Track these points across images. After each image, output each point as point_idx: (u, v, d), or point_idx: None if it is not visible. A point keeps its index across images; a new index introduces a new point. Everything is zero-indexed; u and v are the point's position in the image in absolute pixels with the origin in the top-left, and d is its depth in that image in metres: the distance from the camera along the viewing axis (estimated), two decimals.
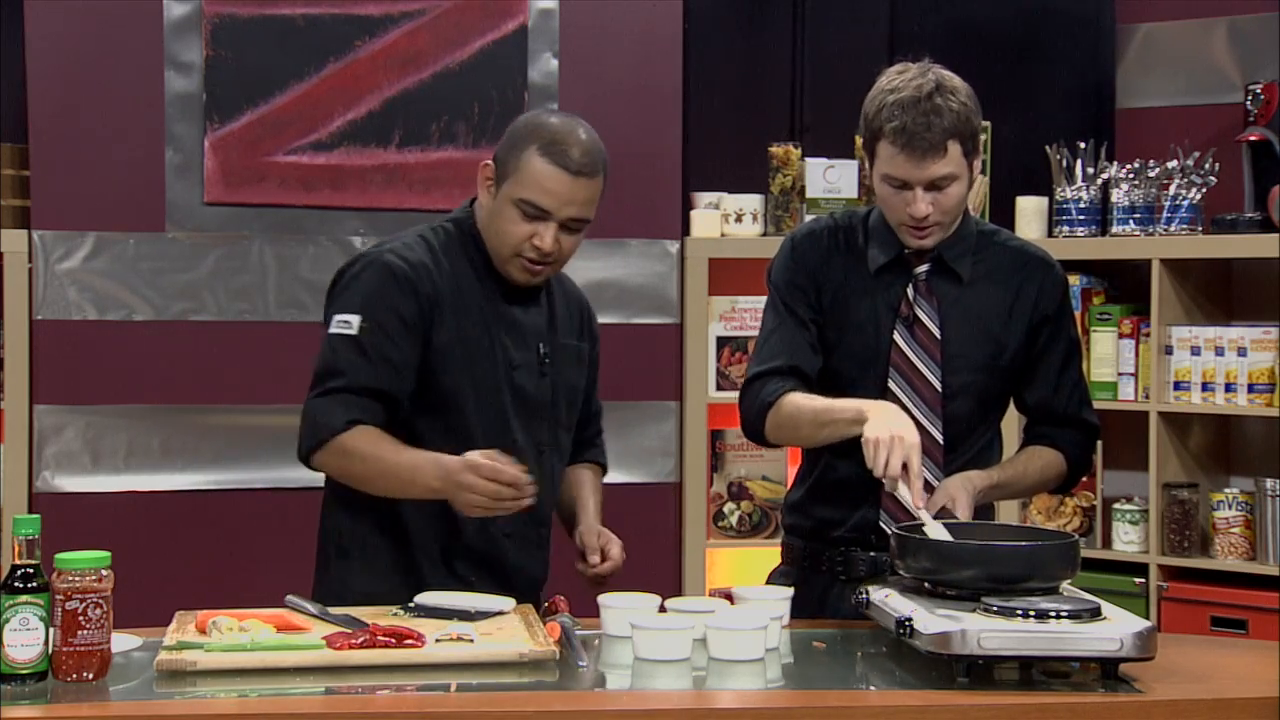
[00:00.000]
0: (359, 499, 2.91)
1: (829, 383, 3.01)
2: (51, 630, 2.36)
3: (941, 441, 2.97)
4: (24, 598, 2.34)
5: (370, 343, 2.84)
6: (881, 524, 2.96)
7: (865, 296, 3.00)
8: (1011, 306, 3.01)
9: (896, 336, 2.97)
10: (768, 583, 3.10)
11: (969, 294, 3.00)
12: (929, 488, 2.89)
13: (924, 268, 2.99)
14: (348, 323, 2.86)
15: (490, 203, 2.91)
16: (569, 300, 3.10)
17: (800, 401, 2.96)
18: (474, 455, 2.73)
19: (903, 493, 2.75)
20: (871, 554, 2.98)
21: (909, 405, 2.95)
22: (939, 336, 2.97)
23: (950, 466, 2.97)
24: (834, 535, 3.02)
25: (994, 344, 3.00)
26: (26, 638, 2.33)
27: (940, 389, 2.96)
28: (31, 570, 2.35)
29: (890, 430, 2.76)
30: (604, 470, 3.28)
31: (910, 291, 2.98)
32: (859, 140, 3.21)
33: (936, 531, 2.71)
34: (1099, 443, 4.72)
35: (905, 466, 2.74)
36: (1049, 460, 3.07)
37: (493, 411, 2.91)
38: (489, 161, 2.93)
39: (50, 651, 2.36)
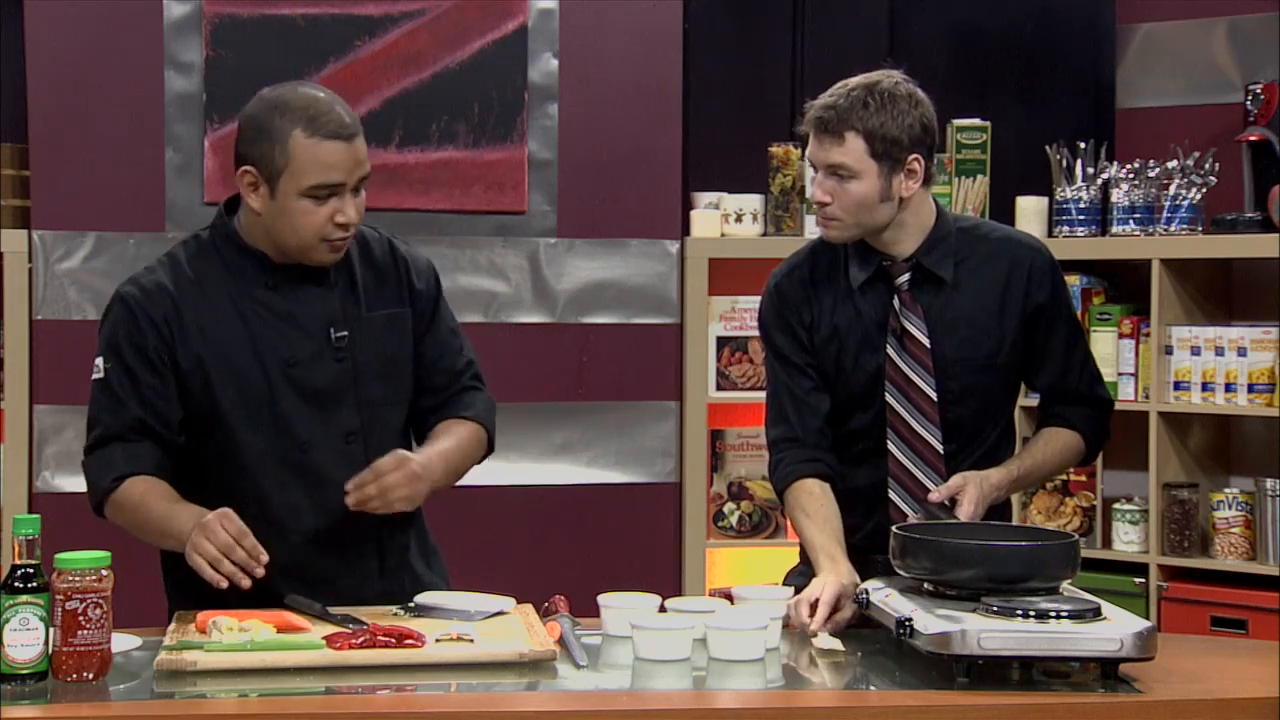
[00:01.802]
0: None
1: (838, 409, 3.02)
2: (51, 630, 2.36)
3: (942, 451, 2.96)
4: (24, 598, 2.34)
5: (117, 383, 2.79)
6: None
7: (855, 318, 3.00)
8: (1002, 298, 2.99)
9: (889, 350, 2.96)
10: (784, 583, 3.10)
11: (956, 296, 2.98)
12: (928, 493, 2.92)
13: (904, 277, 2.97)
14: (98, 367, 2.82)
15: (267, 205, 2.75)
16: (378, 268, 2.91)
17: (795, 511, 3.00)
18: (227, 511, 2.64)
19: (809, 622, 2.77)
20: (887, 558, 2.99)
21: (907, 417, 2.95)
22: (929, 345, 2.95)
23: (959, 469, 2.96)
24: (852, 541, 2.99)
25: (990, 341, 2.99)
26: (26, 638, 2.33)
27: (936, 398, 2.95)
28: (31, 570, 2.36)
29: (810, 593, 2.79)
30: (473, 422, 2.97)
31: (896, 303, 2.98)
32: None
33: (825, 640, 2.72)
34: None
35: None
36: (1066, 442, 3.07)
37: (266, 417, 2.79)
38: (246, 168, 2.75)
39: (50, 651, 2.36)
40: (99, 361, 2.82)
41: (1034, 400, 4.74)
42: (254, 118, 2.77)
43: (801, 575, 3.10)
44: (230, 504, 2.70)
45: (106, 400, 2.80)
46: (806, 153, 2.97)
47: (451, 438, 2.91)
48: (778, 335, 3.05)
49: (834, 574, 2.82)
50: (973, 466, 2.96)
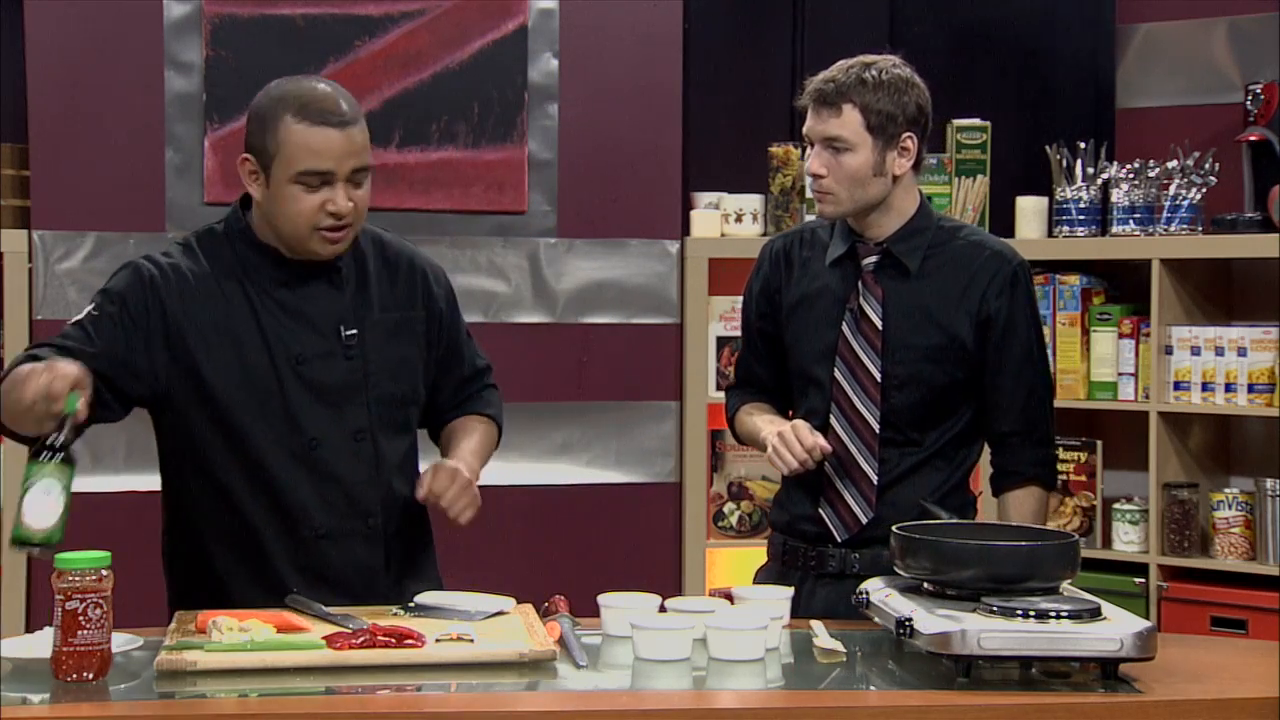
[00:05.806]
0: (176, 512, 2.91)
1: (792, 377, 3.14)
2: (52, 630, 2.36)
3: (878, 430, 3.02)
4: (50, 465, 2.34)
5: (92, 327, 2.74)
6: (820, 510, 3.04)
7: (822, 292, 3.09)
8: (960, 296, 3.03)
9: (844, 327, 3.04)
10: (754, 580, 3.16)
11: (916, 285, 3.04)
12: (860, 473, 3.01)
13: (871, 259, 3.05)
14: (82, 309, 2.78)
15: (265, 194, 2.76)
16: (393, 269, 2.92)
17: (740, 421, 3.22)
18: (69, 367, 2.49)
19: (801, 451, 2.94)
20: (842, 550, 3.04)
21: (851, 395, 3.03)
22: (880, 327, 3.02)
23: (905, 461, 3.03)
24: (800, 529, 3.09)
25: (940, 332, 3.03)
26: (46, 504, 2.33)
27: (880, 378, 3.01)
28: (62, 444, 2.36)
29: (776, 430, 2.99)
30: (492, 420, 3.06)
31: (859, 284, 3.05)
32: None
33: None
34: (1099, 443, 4.74)
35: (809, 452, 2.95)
36: (1034, 507, 3.10)
37: (273, 411, 2.78)
38: (246, 156, 2.77)
39: (61, 530, 2.37)
40: (88, 306, 2.78)
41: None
42: (255, 107, 2.79)
43: (769, 572, 3.14)
44: (247, 496, 2.79)
45: (73, 330, 2.75)
46: (804, 128, 3.04)
47: (476, 435, 3.00)
48: (747, 299, 3.23)
49: (781, 423, 3.02)
50: (906, 470, 3.02)
